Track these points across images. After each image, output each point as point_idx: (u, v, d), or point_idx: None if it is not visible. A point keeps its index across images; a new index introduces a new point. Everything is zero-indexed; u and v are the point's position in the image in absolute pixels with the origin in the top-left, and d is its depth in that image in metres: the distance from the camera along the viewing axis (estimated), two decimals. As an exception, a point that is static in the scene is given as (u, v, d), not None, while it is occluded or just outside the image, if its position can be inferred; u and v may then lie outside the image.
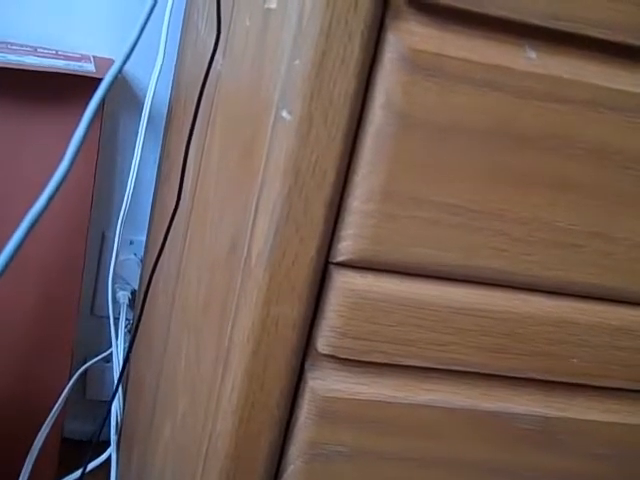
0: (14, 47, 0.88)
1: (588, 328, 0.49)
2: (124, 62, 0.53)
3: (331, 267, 0.46)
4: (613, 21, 0.42)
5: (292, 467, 0.49)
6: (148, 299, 0.73)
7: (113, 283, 0.98)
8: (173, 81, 0.94)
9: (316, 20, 0.41)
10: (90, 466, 0.93)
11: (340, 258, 0.45)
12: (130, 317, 1.02)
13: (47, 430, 0.93)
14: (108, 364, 1.06)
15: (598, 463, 0.52)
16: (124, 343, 0.98)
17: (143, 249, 1.03)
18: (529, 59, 0.43)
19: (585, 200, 0.46)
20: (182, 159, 0.62)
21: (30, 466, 0.91)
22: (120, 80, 0.95)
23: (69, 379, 0.97)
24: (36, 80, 0.86)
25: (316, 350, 0.47)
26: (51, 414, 0.93)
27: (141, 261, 1.02)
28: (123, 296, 1.01)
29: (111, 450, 0.94)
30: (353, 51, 0.41)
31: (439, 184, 0.44)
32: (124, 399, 0.96)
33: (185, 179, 0.67)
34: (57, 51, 0.91)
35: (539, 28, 0.42)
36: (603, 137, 0.44)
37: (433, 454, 0.50)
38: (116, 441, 0.94)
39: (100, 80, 0.52)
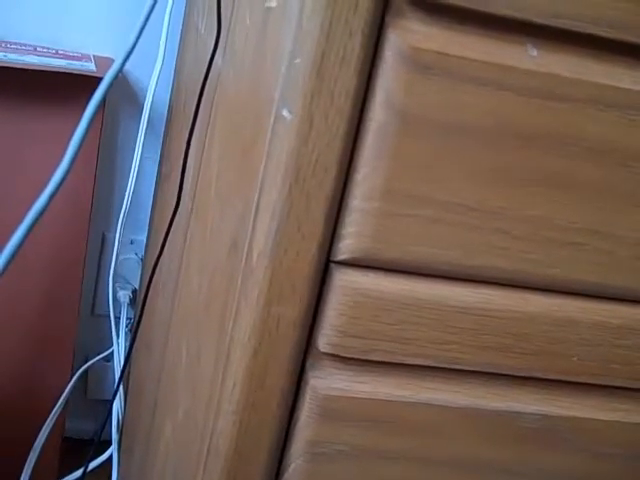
0: (14, 46, 0.88)
1: (589, 327, 0.48)
2: (124, 61, 0.53)
3: (332, 266, 0.46)
4: (614, 19, 0.42)
5: (293, 466, 0.49)
6: (149, 298, 0.73)
7: (114, 282, 0.98)
8: (173, 80, 0.94)
9: (316, 19, 0.41)
10: (91, 465, 0.93)
11: (341, 257, 0.45)
12: (131, 316, 1.02)
13: (48, 429, 0.93)
14: (109, 363, 1.06)
15: (602, 462, 0.52)
16: (125, 342, 0.98)
17: (144, 248, 1.03)
18: (531, 57, 0.43)
19: (586, 198, 0.45)
20: (182, 158, 0.62)
21: (31, 465, 0.91)
22: (120, 79, 0.95)
23: (70, 378, 0.97)
24: (36, 79, 0.86)
25: (317, 349, 0.47)
26: (52, 413, 0.93)
27: (142, 260, 1.02)
28: (124, 295, 1.01)
29: (112, 449, 0.94)
30: (354, 49, 0.41)
31: (440, 182, 0.44)
32: (125, 398, 0.96)
33: (185, 178, 0.67)
34: (57, 50, 0.91)
35: (541, 26, 0.42)
36: (604, 135, 0.44)
37: (435, 453, 0.50)
38: (117, 440, 0.94)
39: (100, 79, 0.52)
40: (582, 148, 0.44)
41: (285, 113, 0.42)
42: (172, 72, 0.94)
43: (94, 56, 0.91)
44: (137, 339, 0.91)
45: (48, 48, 0.90)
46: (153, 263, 0.66)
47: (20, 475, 0.91)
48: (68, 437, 1.07)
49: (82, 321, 1.01)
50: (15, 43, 0.90)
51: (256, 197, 0.46)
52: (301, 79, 0.41)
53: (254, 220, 0.46)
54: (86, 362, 1.03)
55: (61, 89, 0.87)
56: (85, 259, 0.94)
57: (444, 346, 0.47)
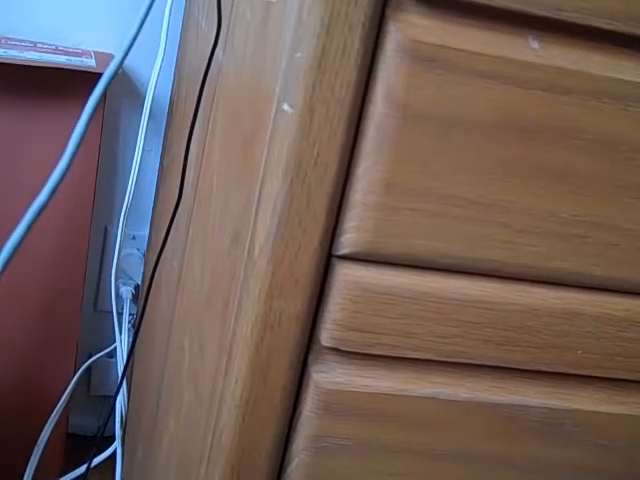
0: (14, 42, 0.88)
1: (593, 319, 0.48)
2: (124, 57, 0.53)
3: (334, 260, 0.45)
4: (616, 11, 0.42)
5: (296, 460, 0.49)
6: (151, 294, 0.73)
7: (116, 278, 0.98)
8: (174, 75, 0.94)
9: (316, 12, 0.40)
10: (95, 461, 0.94)
11: (343, 251, 0.45)
12: (133, 312, 1.02)
13: (52, 426, 0.93)
14: (112, 359, 1.06)
15: (605, 455, 0.52)
16: (128, 338, 0.98)
17: (146, 244, 1.02)
18: (532, 50, 0.42)
19: (589, 191, 0.45)
20: (184, 152, 0.62)
21: (35, 462, 0.92)
22: (121, 75, 0.94)
23: (73, 375, 0.97)
24: (37, 76, 0.86)
25: (319, 343, 0.47)
26: (56, 410, 0.93)
27: (144, 256, 1.02)
28: (126, 291, 1.01)
29: (116, 445, 0.94)
30: (354, 43, 0.41)
31: (441, 176, 0.44)
32: (128, 394, 0.96)
33: (187, 172, 0.67)
34: (57, 46, 0.90)
35: (542, 18, 0.42)
36: (607, 128, 0.44)
37: (438, 447, 0.50)
38: (121, 436, 0.94)
39: (100, 75, 0.52)
40: (584, 140, 0.44)
41: (286, 107, 0.42)
42: (173, 66, 0.94)
43: (94, 52, 0.91)
44: (140, 335, 0.91)
45: (48, 44, 0.90)
46: (155, 258, 0.66)
47: (24, 471, 0.91)
48: (72, 433, 1.07)
49: (85, 317, 1.01)
50: (15, 39, 0.89)
51: (257, 191, 0.46)
52: (302, 73, 0.41)
53: (255, 214, 0.46)
54: (89, 358, 1.03)
55: (61, 85, 0.87)
56: (87, 254, 0.94)
57: (447, 340, 0.47)
